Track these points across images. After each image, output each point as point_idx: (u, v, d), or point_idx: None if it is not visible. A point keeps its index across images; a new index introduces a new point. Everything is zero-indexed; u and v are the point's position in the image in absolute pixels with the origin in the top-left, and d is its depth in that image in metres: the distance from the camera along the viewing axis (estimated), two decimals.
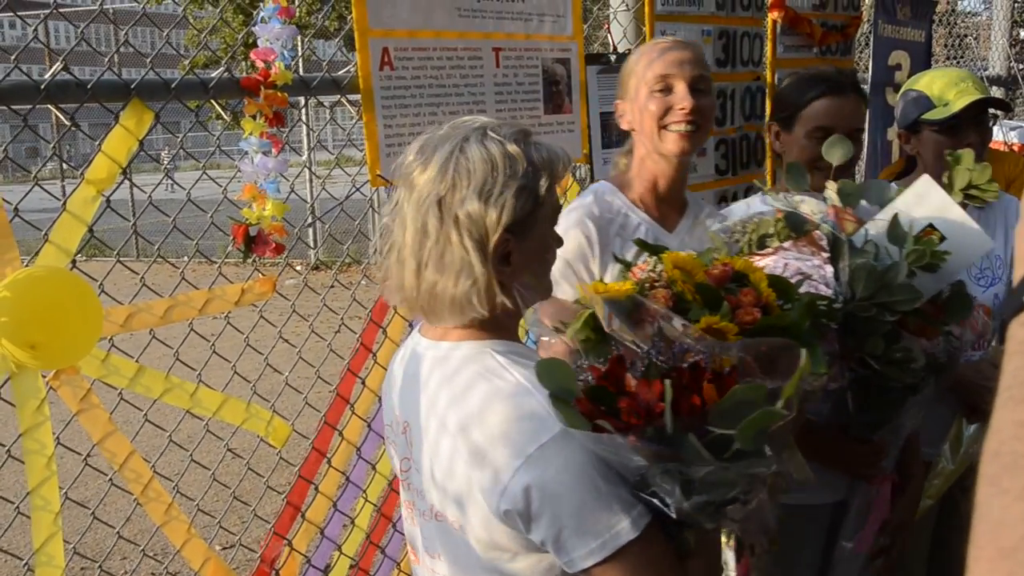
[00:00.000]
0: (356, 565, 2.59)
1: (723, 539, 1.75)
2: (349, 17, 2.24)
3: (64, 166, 14.19)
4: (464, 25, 2.45)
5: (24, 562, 1.93)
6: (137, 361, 1.94)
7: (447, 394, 1.33)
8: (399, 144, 2.29)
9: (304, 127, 9.21)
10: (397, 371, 1.50)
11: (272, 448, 2.27)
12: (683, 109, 1.97)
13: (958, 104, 2.36)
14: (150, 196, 2.14)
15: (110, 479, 2.00)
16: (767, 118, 3.35)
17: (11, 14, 2.04)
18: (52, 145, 2.22)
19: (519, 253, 1.31)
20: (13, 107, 1.77)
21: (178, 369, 2.07)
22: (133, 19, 2.04)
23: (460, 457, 1.28)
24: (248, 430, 2.18)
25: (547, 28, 2.69)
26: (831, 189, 1.83)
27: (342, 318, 2.61)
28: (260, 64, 2.05)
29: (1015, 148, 4.64)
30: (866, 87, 3.90)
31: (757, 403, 1.15)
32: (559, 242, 1.43)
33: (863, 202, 1.83)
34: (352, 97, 2.31)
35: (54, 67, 1.79)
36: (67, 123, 1.95)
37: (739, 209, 2.18)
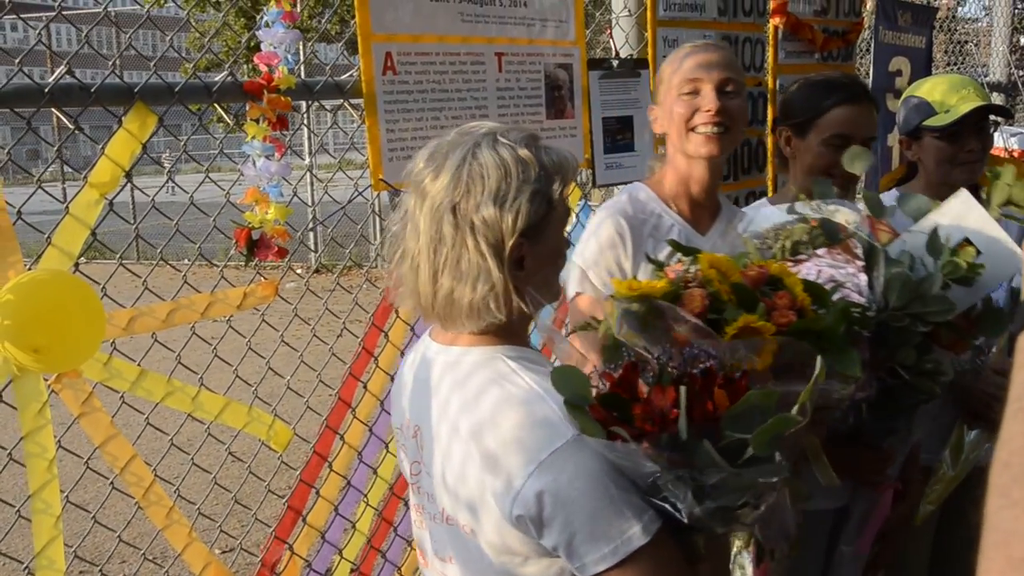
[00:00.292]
0: (357, 569, 2.59)
1: (741, 543, 1.74)
2: (351, 21, 2.25)
3: (65, 168, 14.19)
4: (467, 30, 2.46)
5: (25, 566, 1.93)
6: (139, 364, 1.94)
7: (459, 399, 1.33)
8: (401, 148, 2.29)
9: (305, 130, 9.22)
10: (407, 375, 1.50)
11: (273, 452, 2.27)
12: (708, 111, 1.98)
13: (959, 110, 2.37)
14: (153, 199, 2.14)
15: (111, 482, 2.00)
16: (768, 123, 3.36)
17: (14, 16, 2.04)
18: (56, 148, 2.22)
19: (532, 257, 1.32)
20: (16, 110, 1.77)
21: (180, 372, 2.07)
22: (134, 21, 2.04)
23: (473, 462, 1.28)
24: (249, 434, 2.18)
25: (550, 33, 2.69)
26: (865, 200, 1.84)
27: (344, 322, 2.61)
28: (263, 68, 2.05)
29: (1016, 154, 4.64)
30: None
31: (770, 409, 1.15)
32: (569, 245, 1.46)
33: (898, 213, 1.84)
34: (354, 101, 2.31)
35: (58, 70, 1.80)
36: (70, 126, 1.95)
37: (763, 216, 2.16)
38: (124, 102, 1.86)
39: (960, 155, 2.39)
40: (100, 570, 2.17)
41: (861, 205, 1.85)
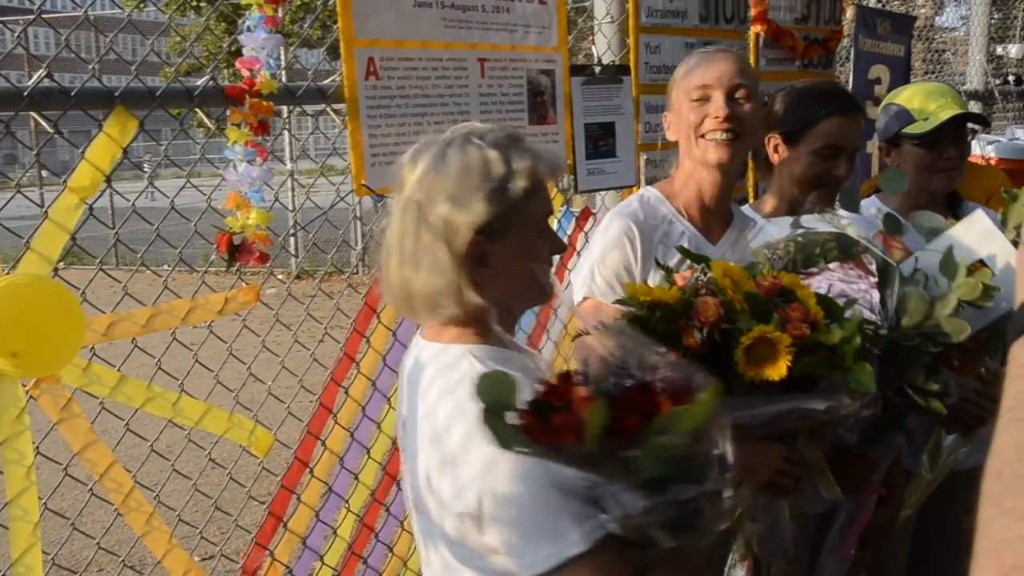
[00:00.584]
0: (338, 575, 2.58)
1: (737, 557, 1.73)
2: (333, 27, 2.25)
3: (43, 173, 14.07)
4: (450, 35, 2.46)
5: (2, 573, 1.91)
6: (119, 370, 1.93)
7: (430, 396, 1.38)
8: (384, 153, 2.29)
9: (286, 135, 9.19)
10: (402, 367, 1.56)
11: (254, 458, 2.25)
12: (717, 118, 1.97)
13: (938, 118, 2.39)
14: (133, 204, 2.12)
15: (90, 489, 1.98)
16: None
17: None
18: (35, 152, 2.20)
19: (498, 256, 1.35)
20: None
21: (160, 378, 2.06)
22: (114, 25, 2.03)
23: (433, 460, 1.33)
24: (230, 439, 2.16)
25: (532, 39, 2.70)
26: (880, 215, 1.85)
27: (325, 327, 2.60)
28: (245, 72, 2.05)
29: (993, 162, 4.70)
30: None
31: (671, 430, 1.13)
32: (558, 248, 1.46)
33: (909, 231, 1.84)
34: (336, 106, 2.31)
35: (37, 74, 1.78)
36: (49, 130, 1.94)
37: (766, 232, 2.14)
38: (105, 106, 1.85)
39: (939, 162, 2.41)
40: None
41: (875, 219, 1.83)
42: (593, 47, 3.12)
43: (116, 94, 1.85)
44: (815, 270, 1.72)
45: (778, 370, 1.44)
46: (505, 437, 1.14)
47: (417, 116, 2.38)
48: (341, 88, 2.24)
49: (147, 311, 1.95)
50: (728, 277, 1.48)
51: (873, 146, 3.98)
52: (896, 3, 8.14)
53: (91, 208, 1.85)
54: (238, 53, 2.09)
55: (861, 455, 1.92)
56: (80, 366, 1.83)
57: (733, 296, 1.45)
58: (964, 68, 6.45)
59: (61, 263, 1.82)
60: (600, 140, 2.95)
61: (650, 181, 3.16)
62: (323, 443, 2.43)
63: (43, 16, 2.14)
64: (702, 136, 1.99)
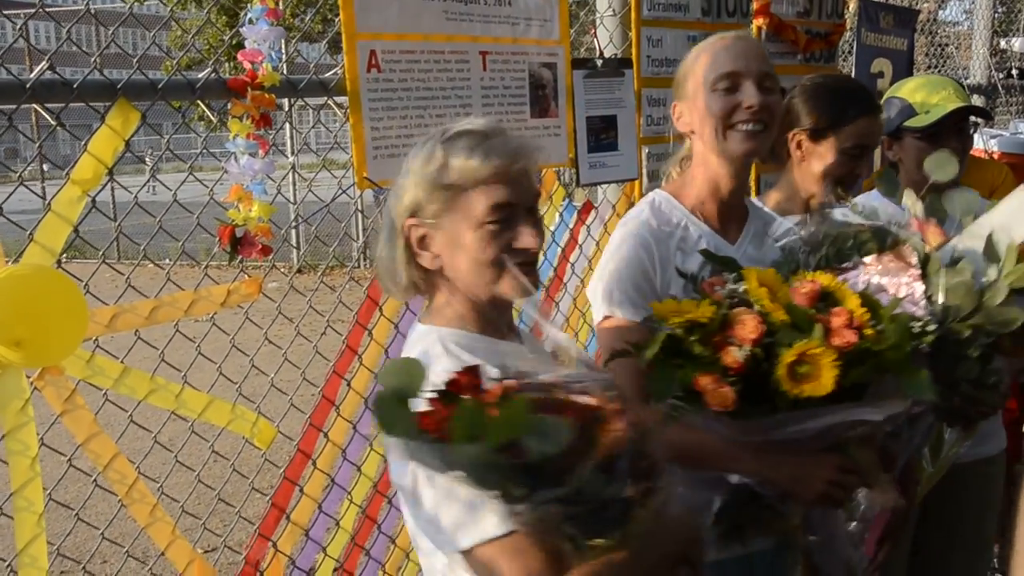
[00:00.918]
0: (341, 567, 2.59)
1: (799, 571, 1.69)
2: (334, 20, 2.25)
3: (45, 167, 14.08)
4: (452, 28, 2.46)
5: (7, 564, 1.92)
6: (122, 362, 1.94)
7: None
8: (386, 146, 2.29)
9: (288, 128, 9.18)
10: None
11: (257, 450, 2.26)
12: (751, 108, 1.84)
13: (940, 112, 2.40)
14: (136, 197, 2.12)
15: (94, 480, 1.99)
16: None
17: None
18: (37, 145, 2.21)
19: (437, 242, 1.48)
20: None
21: (163, 370, 2.06)
22: (115, 19, 2.03)
23: None
24: (233, 431, 2.17)
25: (534, 32, 2.70)
26: (910, 199, 1.76)
27: (327, 320, 2.61)
28: (247, 65, 2.05)
29: (995, 156, 4.69)
30: None
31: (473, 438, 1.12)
32: (502, 244, 1.45)
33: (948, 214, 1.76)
34: (338, 99, 2.31)
35: (39, 66, 1.79)
36: (52, 122, 1.94)
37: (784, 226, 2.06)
38: (107, 98, 1.85)
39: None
40: (83, 568, 2.16)
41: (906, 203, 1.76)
42: (595, 40, 3.12)
43: (118, 86, 1.85)
44: (849, 264, 1.64)
45: (824, 386, 1.36)
46: (389, 422, 1.15)
47: (419, 109, 2.38)
48: (343, 81, 2.24)
49: (150, 303, 1.95)
50: (764, 287, 1.40)
51: None
52: None
53: (94, 201, 1.85)
54: (239, 46, 2.09)
55: (880, 451, 1.89)
56: (84, 358, 1.84)
57: (770, 307, 1.37)
58: (967, 62, 6.44)
59: (63, 256, 1.83)
60: (602, 133, 2.95)
61: (652, 175, 3.16)
62: (326, 435, 2.44)
63: (45, 9, 2.14)
64: (732, 127, 1.87)
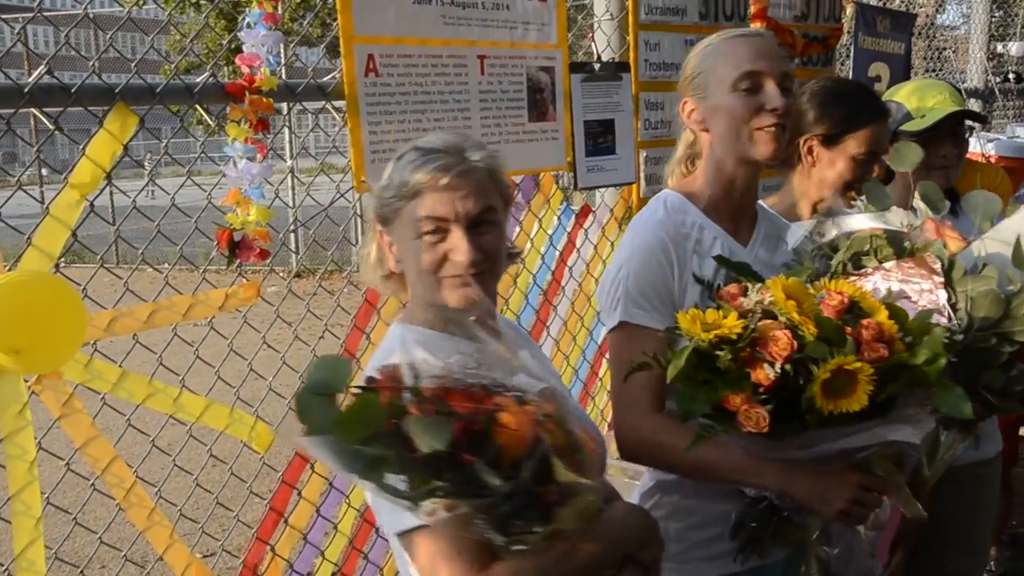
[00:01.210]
0: (339, 570, 2.59)
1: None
2: (333, 24, 2.25)
3: (43, 171, 14.07)
4: (450, 33, 2.47)
5: (5, 568, 1.92)
6: (120, 366, 1.94)
7: None
8: (384, 150, 2.30)
9: (287, 132, 9.19)
10: None
11: (255, 453, 2.26)
12: (775, 110, 1.76)
13: (935, 116, 2.40)
14: (134, 201, 2.13)
15: (92, 484, 1.99)
16: None
17: None
18: (35, 149, 2.21)
19: (396, 249, 1.56)
20: None
21: (161, 374, 2.07)
22: (113, 23, 2.04)
23: None
24: (231, 435, 2.17)
25: (532, 36, 2.71)
26: (920, 200, 1.71)
27: (326, 324, 2.61)
28: (245, 69, 2.05)
29: (993, 160, 4.70)
30: None
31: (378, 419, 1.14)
32: (438, 255, 1.49)
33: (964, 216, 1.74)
34: (336, 104, 2.31)
35: (38, 70, 1.79)
36: (50, 126, 1.94)
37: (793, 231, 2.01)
38: (105, 102, 1.86)
39: (935, 160, 2.42)
40: (81, 572, 2.16)
41: (918, 205, 1.72)
42: (593, 44, 3.13)
43: (117, 91, 1.85)
44: (868, 270, 1.59)
45: (859, 400, 1.32)
46: (307, 417, 1.15)
47: (417, 113, 2.39)
48: (341, 85, 2.25)
49: (148, 307, 1.96)
50: (791, 299, 1.35)
51: None
52: (897, 1, 8.14)
53: (92, 205, 1.85)
54: (238, 51, 2.10)
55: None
56: (82, 362, 1.84)
57: (797, 318, 1.32)
58: (964, 66, 6.46)
59: (62, 260, 1.83)
60: (600, 137, 2.96)
61: (649, 178, 3.16)
62: None
63: (43, 13, 2.15)
64: (756, 129, 1.78)
